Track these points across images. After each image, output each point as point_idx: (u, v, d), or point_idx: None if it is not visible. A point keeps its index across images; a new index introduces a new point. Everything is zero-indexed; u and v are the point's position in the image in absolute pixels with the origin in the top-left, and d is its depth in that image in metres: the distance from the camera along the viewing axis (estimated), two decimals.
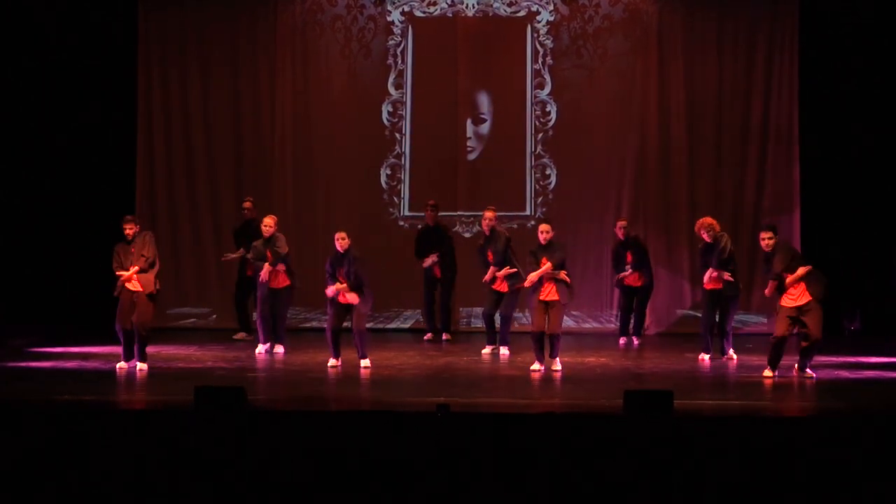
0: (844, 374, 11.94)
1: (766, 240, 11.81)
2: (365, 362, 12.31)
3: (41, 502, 8.17)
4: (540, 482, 8.10)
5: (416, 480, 8.11)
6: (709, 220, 13.37)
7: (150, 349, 12.27)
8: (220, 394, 8.86)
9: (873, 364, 12.66)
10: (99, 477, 8.19)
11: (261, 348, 13.60)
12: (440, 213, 15.31)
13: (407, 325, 16.22)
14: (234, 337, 14.84)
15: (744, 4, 16.31)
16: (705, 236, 13.26)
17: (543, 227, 12.38)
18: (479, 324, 15.31)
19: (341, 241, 12.39)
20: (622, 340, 14.85)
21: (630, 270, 14.69)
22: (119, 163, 16.25)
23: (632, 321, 15.00)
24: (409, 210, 16.53)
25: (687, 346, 13.92)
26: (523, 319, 15.40)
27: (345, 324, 12.41)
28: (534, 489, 8.09)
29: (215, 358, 12.96)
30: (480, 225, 14.30)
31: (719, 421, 8.90)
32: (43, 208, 15.99)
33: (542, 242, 12.29)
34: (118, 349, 12.20)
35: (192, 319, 16.35)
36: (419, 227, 15.60)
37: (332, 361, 12.34)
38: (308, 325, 15.97)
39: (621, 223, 14.89)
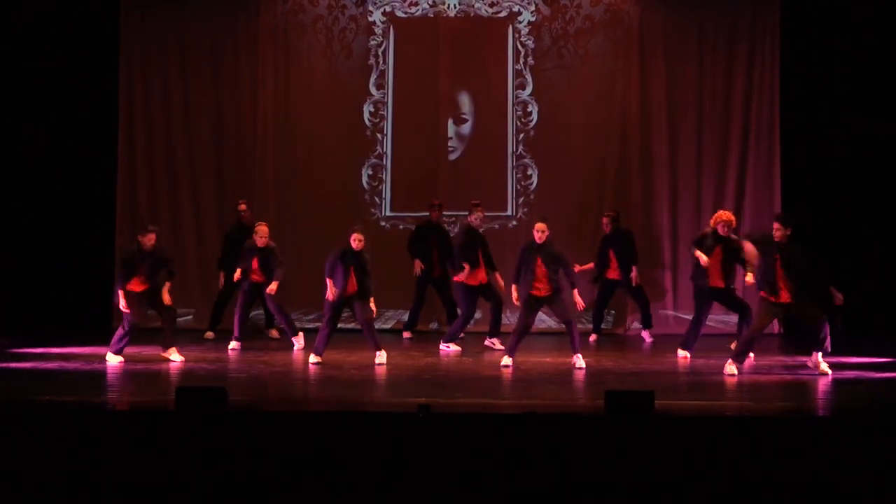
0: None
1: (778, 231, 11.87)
2: (381, 356, 12.58)
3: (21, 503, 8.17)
4: (520, 483, 8.11)
5: (397, 481, 8.11)
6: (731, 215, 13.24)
7: (132, 349, 12.78)
8: (201, 394, 8.85)
9: (854, 364, 12.69)
10: (80, 478, 8.17)
11: (234, 344, 13.71)
12: (420, 213, 15.45)
13: (388, 326, 16.19)
14: (205, 336, 14.86)
15: (725, 4, 16.36)
16: (721, 230, 12.96)
17: (540, 225, 12.36)
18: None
19: (358, 242, 12.50)
20: (592, 337, 15.05)
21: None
22: (100, 164, 16.18)
23: (601, 317, 15.38)
24: (391, 210, 16.53)
25: (669, 346, 13.93)
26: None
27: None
28: (514, 490, 8.10)
29: (196, 358, 12.94)
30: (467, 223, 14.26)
31: (701, 421, 8.91)
32: (23, 210, 15.89)
33: (539, 242, 12.29)
34: (100, 350, 12.23)
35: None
36: (413, 225, 15.71)
37: (314, 358, 12.52)
38: None
39: (606, 216, 15.07)
